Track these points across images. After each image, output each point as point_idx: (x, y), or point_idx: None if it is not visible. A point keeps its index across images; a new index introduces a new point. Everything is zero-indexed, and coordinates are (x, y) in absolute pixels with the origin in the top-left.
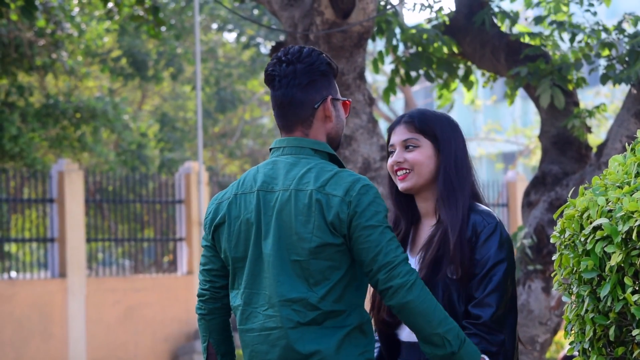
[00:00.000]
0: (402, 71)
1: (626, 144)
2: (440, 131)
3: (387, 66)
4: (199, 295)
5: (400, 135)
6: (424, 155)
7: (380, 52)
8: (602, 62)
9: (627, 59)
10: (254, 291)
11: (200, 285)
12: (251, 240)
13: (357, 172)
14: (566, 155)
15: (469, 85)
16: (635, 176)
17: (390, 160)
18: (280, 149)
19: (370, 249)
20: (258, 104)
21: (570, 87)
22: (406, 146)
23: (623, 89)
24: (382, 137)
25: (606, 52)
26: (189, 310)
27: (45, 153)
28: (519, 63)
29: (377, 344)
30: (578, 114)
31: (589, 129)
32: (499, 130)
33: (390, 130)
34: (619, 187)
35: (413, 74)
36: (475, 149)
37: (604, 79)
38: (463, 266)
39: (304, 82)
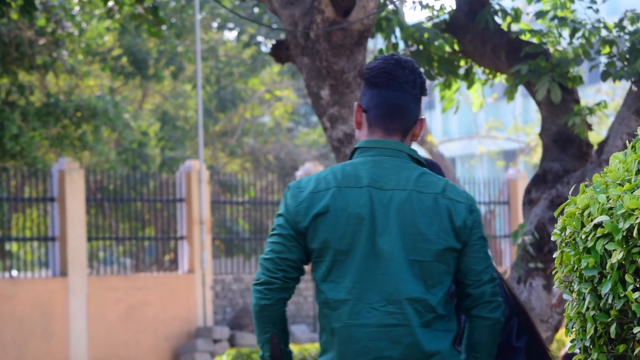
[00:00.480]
0: None
1: (627, 142)
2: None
3: None
4: (264, 283)
5: None
6: None
7: (380, 50)
8: (603, 59)
9: (627, 56)
10: (366, 287)
11: (267, 273)
12: (361, 234)
13: None
14: (567, 153)
15: (470, 82)
16: (636, 173)
17: None
18: (377, 149)
19: (483, 259)
20: (259, 103)
21: (570, 84)
22: None
23: (624, 87)
24: None
25: (607, 49)
26: (190, 309)
27: (46, 152)
28: (519, 61)
29: None
30: (578, 112)
31: (589, 127)
32: (500, 128)
33: None
34: (619, 184)
35: None
36: (476, 147)
37: (604, 76)
38: None
39: (417, 95)
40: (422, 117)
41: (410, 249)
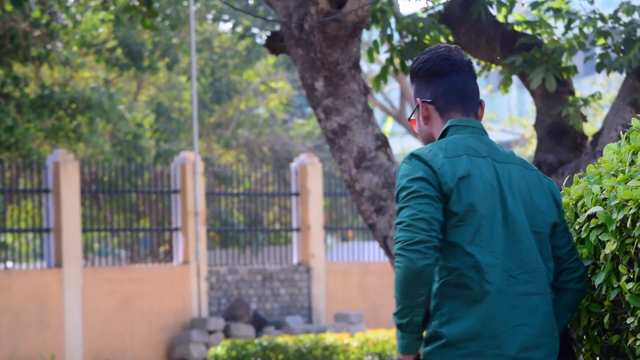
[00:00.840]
0: (396, 60)
1: (621, 133)
2: None
3: (383, 55)
4: (422, 242)
5: None
6: None
7: (375, 42)
8: (598, 51)
9: (622, 47)
10: (505, 254)
11: (422, 232)
12: (496, 202)
13: (352, 162)
14: (562, 145)
15: None
16: (630, 164)
17: None
18: (471, 127)
19: (571, 238)
20: (253, 94)
21: (565, 75)
22: None
23: (619, 78)
24: (377, 126)
25: (602, 41)
26: (185, 300)
27: (40, 144)
28: (514, 52)
29: None
30: (573, 103)
31: (584, 118)
32: (495, 119)
33: None
34: (613, 175)
35: (408, 63)
36: None
37: (599, 68)
38: None
39: (475, 76)
40: (482, 99)
41: (531, 220)
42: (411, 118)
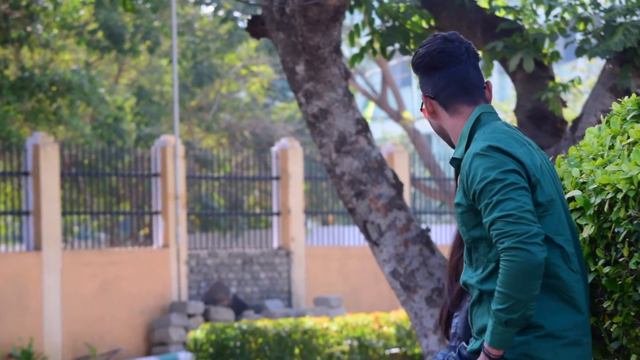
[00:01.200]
0: (377, 44)
1: (601, 117)
2: None
3: (364, 39)
4: (539, 234)
5: None
6: None
7: (356, 26)
8: (578, 37)
9: (602, 33)
10: (574, 240)
11: (535, 225)
12: (554, 189)
13: (332, 146)
14: (542, 129)
15: None
16: (609, 148)
17: None
18: (496, 114)
19: None
20: (235, 78)
21: (546, 61)
22: None
23: (599, 64)
24: (358, 110)
25: (582, 27)
26: (164, 283)
27: (20, 126)
28: (495, 37)
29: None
30: (553, 88)
31: (564, 103)
32: None
33: None
34: (593, 158)
35: (389, 48)
36: None
37: (579, 53)
38: None
39: (474, 62)
40: (487, 80)
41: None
42: (422, 109)
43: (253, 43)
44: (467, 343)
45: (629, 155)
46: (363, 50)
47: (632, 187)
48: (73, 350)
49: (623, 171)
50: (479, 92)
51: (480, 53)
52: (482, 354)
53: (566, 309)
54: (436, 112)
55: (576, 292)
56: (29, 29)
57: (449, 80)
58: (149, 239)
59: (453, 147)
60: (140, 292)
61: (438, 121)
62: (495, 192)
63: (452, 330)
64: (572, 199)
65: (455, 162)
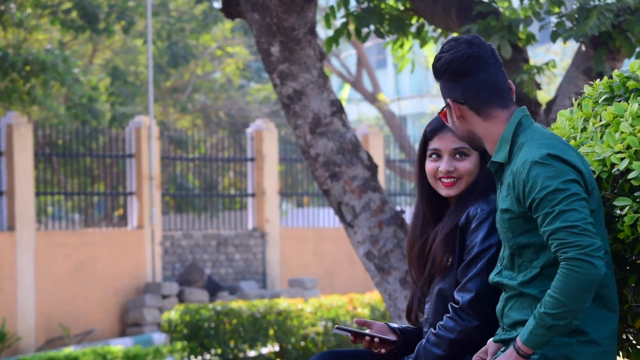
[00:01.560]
0: (352, 26)
1: (574, 100)
2: None
3: (339, 21)
4: (601, 248)
5: (449, 142)
6: (473, 164)
7: (332, 7)
8: (553, 20)
9: (576, 16)
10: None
11: (597, 238)
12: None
13: (307, 128)
14: None
15: (422, 41)
16: (582, 131)
17: (433, 165)
18: (531, 117)
19: None
20: (210, 59)
21: (520, 43)
22: (455, 154)
23: (573, 47)
24: (333, 92)
25: (556, 10)
26: (139, 264)
27: None
28: (470, 20)
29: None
30: (527, 71)
31: (538, 86)
32: None
33: (433, 133)
34: None
35: (364, 30)
36: (427, 106)
37: (554, 36)
38: (447, 253)
39: (500, 64)
40: (510, 81)
41: None
42: (442, 111)
43: (228, 24)
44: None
45: (601, 137)
46: (338, 33)
47: (605, 169)
48: (47, 330)
49: (596, 153)
50: (508, 94)
51: (455, 35)
52: (511, 349)
53: (609, 317)
54: (465, 117)
55: (616, 297)
56: (2, 8)
57: (481, 85)
58: (123, 220)
59: (481, 150)
60: (115, 273)
61: (467, 126)
62: (557, 202)
63: (425, 316)
64: None
65: (495, 166)
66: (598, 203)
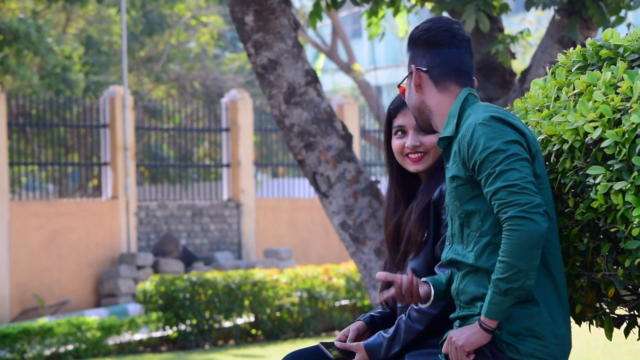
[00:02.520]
0: None
1: (548, 69)
2: None
3: None
4: (541, 205)
5: (413, 118)
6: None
7: None
8: None
9: None
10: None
11: (537, 195)
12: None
13: (281, 97)
14: (490, 82)
15: (395, 10)
16: (555, 100)
17: (399, 142)
18: (478, 98)
19: None
20: (184, 29)
21: (495, 12)
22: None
23: (548, 16)
24: (308, 62)
25: None
26: (113, 235)
27: None
28: None
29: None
30: (502, 40)
31: (512, 55)
32: None
33: (396, 111)
34: (538, 110)
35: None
36: (402, 76)
37: (528, 5)
38: (422, 229)
39: (471, 52)
40: (474, 78)
41: None
42: (401, 85)
43: None
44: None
45: (574, 106)
46: (317, 5)
47: (578, 137)
48: (21, 301)
49: (569, 122)
50: (469, 80)
51: (430, 6)
52: (475, 324)
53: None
54: (422, 86)
55: (560, 264)
56: None
57: (447, 59)
58: (97, 191)
59: (427, 127)
60: (89, 244)
61: (422, 96)
62: (498, 163)
63: None
64: None
65: (444, 142)
66: (543, 170)
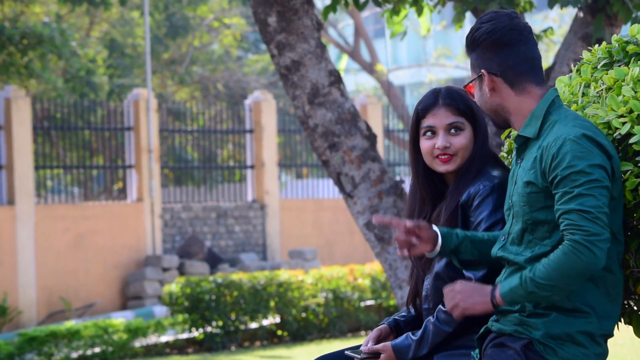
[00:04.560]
0: None
1: (572, 66)
2: (478, 112)
3: None
4: (607, 240)
5: (443, 118)
6: (467, 138)
7: None
8: None
9: None
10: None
11: (607, 230)
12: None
13: (305, 98)
14: None
15: (419, 9)
16: (582, 96)
17: (429, 143)
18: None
19: None
20: (207, 31)
21: (519, 10)
22: (450, 129)
23: (571, 13)
24: (331, 62)
25: None
26: (139, 237)
27: None
28: None
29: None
30: None
31: None
32: (449, 55)
33: (425, 111)
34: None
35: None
36: (425, 75)
37: (551, 3)
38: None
39: (536, 43)
40: None
41: None
42: (469, 84)
43: None
44: (436, 305)
45: (604, 101)
46: (335, 1)
47: (610, 132)
48: (48, 304)
49: (600, 116)
50: (542, 72)
51: (453, 3)
52: (488, 295)
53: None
54: (497, 90)
55: (621, 287)
56: None
57: (519, 58)
58: (122, 193)
59: (504, 126)
60: (115, 246)
61: (499, 99)
62: (578, 185)
63: (424, 293)
64: None
65: (521, 140)
66: (620, 191)
